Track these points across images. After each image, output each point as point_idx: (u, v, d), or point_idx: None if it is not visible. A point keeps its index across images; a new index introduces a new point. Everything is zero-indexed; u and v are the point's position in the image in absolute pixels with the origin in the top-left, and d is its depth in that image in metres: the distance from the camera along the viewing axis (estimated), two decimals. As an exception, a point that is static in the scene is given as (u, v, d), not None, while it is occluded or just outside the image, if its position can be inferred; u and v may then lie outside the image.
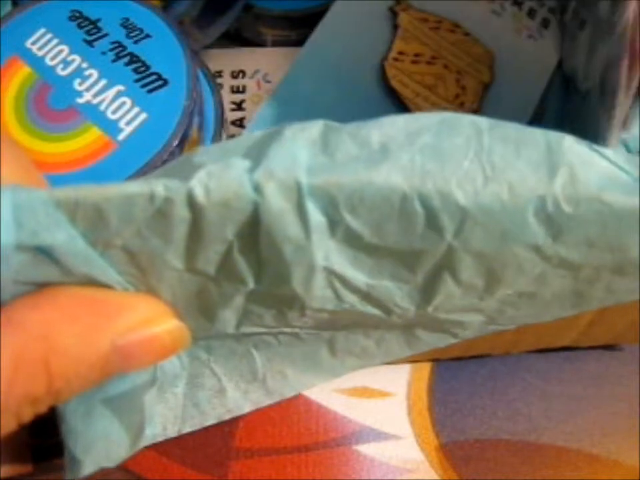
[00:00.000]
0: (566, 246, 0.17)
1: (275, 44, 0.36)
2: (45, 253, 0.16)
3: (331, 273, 0.18)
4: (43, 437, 0.29)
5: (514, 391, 0.30)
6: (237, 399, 0.22)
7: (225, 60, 0.35)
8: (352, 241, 0.17)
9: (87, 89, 0.27)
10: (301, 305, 0.19)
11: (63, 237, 0.16)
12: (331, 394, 0.30)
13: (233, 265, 0.17)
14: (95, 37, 0.28)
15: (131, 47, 0.27)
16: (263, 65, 0.35)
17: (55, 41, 0.27)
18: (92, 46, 0.27)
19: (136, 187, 0.16)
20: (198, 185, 0.16)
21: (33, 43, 0.27)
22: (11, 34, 0.28)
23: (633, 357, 0.31)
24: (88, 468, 0.20)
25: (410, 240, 0.17)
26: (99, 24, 0.28)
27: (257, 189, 0.16)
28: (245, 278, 0.18)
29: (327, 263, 0.17)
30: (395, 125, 0.17)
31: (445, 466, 0.28)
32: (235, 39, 0.36)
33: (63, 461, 0.29)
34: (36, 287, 0.17)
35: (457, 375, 0.31)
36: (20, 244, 0.15)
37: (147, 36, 0.28)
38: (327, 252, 0.17)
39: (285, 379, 0.22)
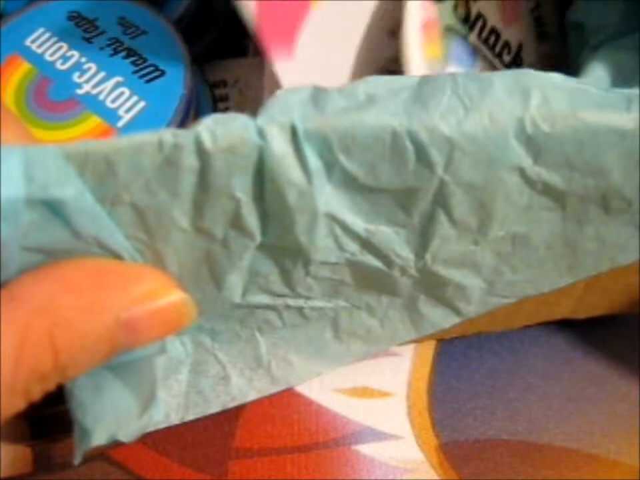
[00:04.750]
0: (547, 167, 0.18)
1: (257, 53, 0.36)
2: (54, 210, 0.16)
3: (331, 219, 0.18)
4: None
5: (514, 390, 0.29)
6: (242, 386, 0.22)
7: (205, 72, 0.36)
8: (348, 184, 0.18)
9: (86, 81, 0.27)
10: (305, 258, 0.19)
11: (73, 191, 0.16)
12: (331, 394, 0.30)
13: (239, 220, 0.17)
14: (92, 34, 0.28)
15: (128, 42, 0.28)
16: (242, 74, 0.36)
17: (54, 39, 0.28)
18: (90, 42, 0.28)
19: (145, 136, 0.16)
20: (205, 131, 0.16)
21: (33, 42, 0.28)
22: (10, 34, 0.28)
23: (633, 357, 0.30)
24: (99, 437, 0.19)
25: (403, 178, 0.18)
26: (97, 23, 0.28)
27: (261, 133, 0.16)
28: (251, 231, 0.18)
29: (327, 208, 0.18)
30: (378, 82, 0.18)
31: (444, 466, 0.28)
32: (217, 47, 0.36)
33: (62, 459, 0.29)
34: (43, 257, 0.16)
35: (457, 374, 0.30)
36: (30, 198, 0.15)
37: (143, 32, 0.28)
38: (327, 197, 0.17)
39: (291, 366, 0.22)
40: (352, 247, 0.19)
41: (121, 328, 0.16)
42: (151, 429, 0.21)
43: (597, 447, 0.28)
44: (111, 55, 0.28)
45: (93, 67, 0.27)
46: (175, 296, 0.17)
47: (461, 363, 0.30)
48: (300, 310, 0.21)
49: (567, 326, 0.32)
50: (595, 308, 0.29)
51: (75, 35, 0.28)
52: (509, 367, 0.30)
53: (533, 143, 0.17)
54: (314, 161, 0.17)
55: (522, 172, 0.18)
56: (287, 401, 0.29)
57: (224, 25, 0.35)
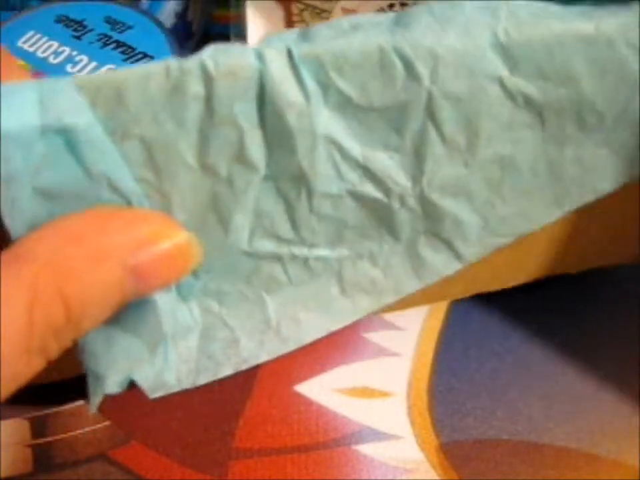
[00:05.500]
0: (523, 78, 0.19)
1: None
2: (66, 142, 0.16)
3: (330, 142, 0.19)
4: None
5: (514, 390, 0.29)
6: (252, 349, 0.22)
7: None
8: (343, 106, 0.19)
9: (79, 71, 0.28)
10: (307, 188, 0.20)
11: (85, 121, 0.16)
12: (331, 394, 0.29)
13: (243, 152, 0.18)
14: (81, 32, 0.30)
15: (117, 36, 0.29)
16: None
17: (45, 39, 0.29)
18: (80, 39, 0.29)
19: (152, 65, 0.17)
20: (208, 57, 0.17)
21: (24, 42, 0.29)
22: (1, 39, 0.29)
23: (633, 357, 0.30)
24: (112, 382, 0.19)
25: (394, 94, 0.19)
26: (84, 22, 0.30)
27: (260, 57, 0.18)
28: (255, 164, 0.19)
29: (326, 131, 0.19)
30: (360, 17, 0.20)
31: (444, 466, 0.28)
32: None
33: (62, 459, 0.29)
34: (52, 206, 0.17)
35: (457, 374, 0.30)
36: (44, 127, 0.16)
37: (130, 27, 0.30)
38: (324, 120, 0.19)
39: (299, 325, 0.22)
40: (351, 176, 0.20)
41: (129, 274, 0.16)
42: (162, 393, 0.21)
43: (596, 446, 0.28)
44: (101, 47, 0.29)
45: (85, 58, 0.28)
46: (179, 237, 0.17)
47: (461, 363, 0.30)
48: (305, 262, 0.21)
49: (566, 325, 0.32)
50: (586, 259, 0.30)
51: (64, 34, 0.29)
52: (509, 367, 0.30)
53: (508, 53, 0.19)
54: (310, 84, 0.18)
55: (501, 83, 0.19)
56: (287, 401, 0.29)
57: (200, 37, 0.36)
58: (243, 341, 0.22)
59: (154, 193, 0.18)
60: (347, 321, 0.22)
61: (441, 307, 0.32)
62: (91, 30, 0.29)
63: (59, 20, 0.30)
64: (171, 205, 0.19)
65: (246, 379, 0.30)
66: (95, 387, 0.19)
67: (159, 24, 0.30)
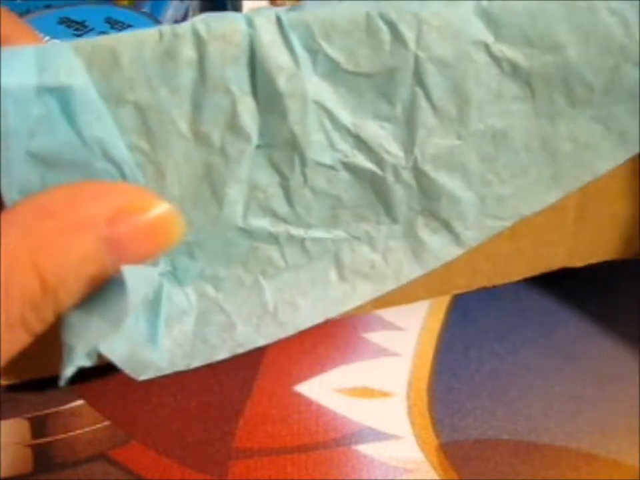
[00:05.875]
0: (508, 44, 0.20)
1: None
2: (61, 104, 0.16)
3: (320, 107, 0.19)
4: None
5: (514, 390, 0.29)
6: (248, 333, 0.22)
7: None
8: (332, 72, 0.19)
9: None
10: (300, 156, 0.20)
11: (81, 81, 0.17)
12: (331, 394, 0.29)
13: (235, 119, 0.19)
14: (82, 32, 0.31)
15: (117, 34, 0.30)
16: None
17: (47, 38, 0.30)
18: (81, 38, 0.30)
19: (146, 30, 0.18)
20: (200, 22, 0.18)
21: None
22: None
23: (633, 357, 0.30)
24: (81, 352, 0.19)
25: (382, 59, 0.19)
26: (85, 23, 0.31)
27: (250, 23, 0.18)
28: (247, 132, 0.19)
29: (316, 97, 0.19)
30: None
31: (444, 466, 0.28)
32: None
33: (62, 459, 0.29)
34: (46, 170, 0.17)
35: (457, 374, 0.30)
36: (41, 86, 0.16)
37: (129, 26, 0.31)
38: (314, 86, 0.19)
39: (297, 310, 0.22)
40: (343, 145, 0.20)
41: (105, 246, 0.16)
42: (152, 375, 0.20)
43: (597, 446, 0.28)
44: (103, 43, 0.30)
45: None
46: (159, 208, 0.17)
47: (461, 363, 0.30)
48: (301, 243, 0.21)
49: (566, 325, 0.32)
50: (591, 252, 0.29)
51: (66, 34, 0.30)
52: (509, 367, 0.30)
53: (491, 18, 0.19)
54: (299, 50, 0.18)
55: (487, 49, 0.19)
56: (287, 401, 0.29)
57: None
58: (239, 326, 0.22)
59: (147, 163, 0.18)
60: (347, 307, 0.22)
61: (441, 307, 0.32)
62: (92, 29, 0.30)
63: (61, 22, 0.31)
64: (164, 176, 0.19)
65: (246, 379, 0.30)
66: (67, 358, 0.19)
67: (159, 23, 0.31)
